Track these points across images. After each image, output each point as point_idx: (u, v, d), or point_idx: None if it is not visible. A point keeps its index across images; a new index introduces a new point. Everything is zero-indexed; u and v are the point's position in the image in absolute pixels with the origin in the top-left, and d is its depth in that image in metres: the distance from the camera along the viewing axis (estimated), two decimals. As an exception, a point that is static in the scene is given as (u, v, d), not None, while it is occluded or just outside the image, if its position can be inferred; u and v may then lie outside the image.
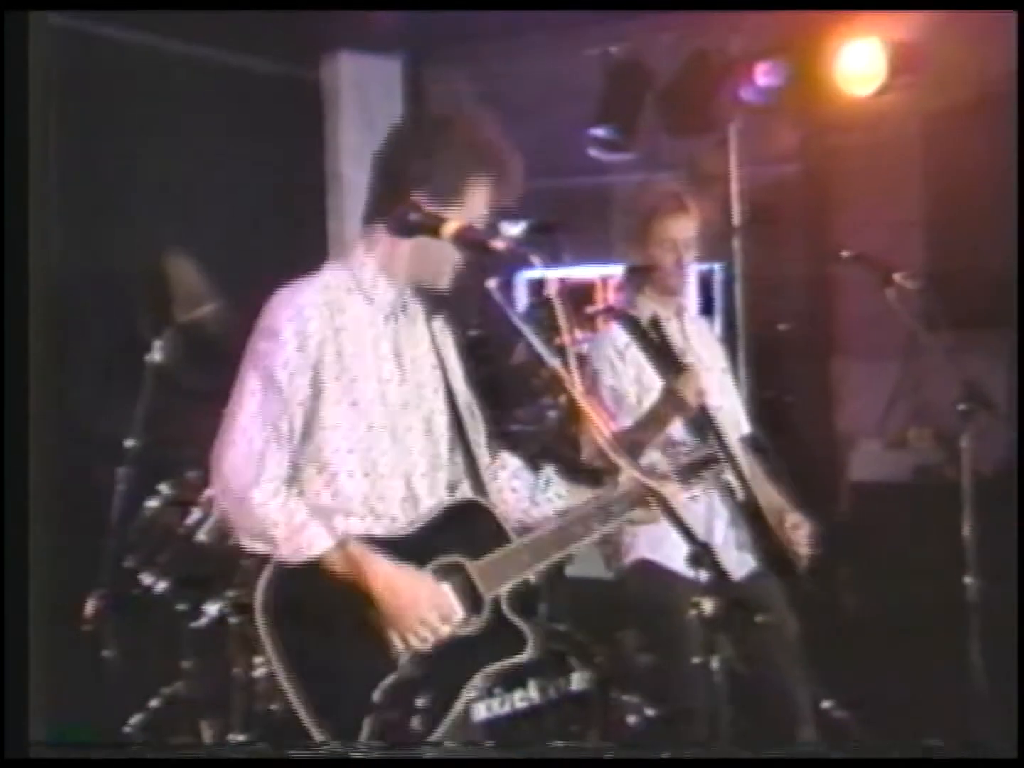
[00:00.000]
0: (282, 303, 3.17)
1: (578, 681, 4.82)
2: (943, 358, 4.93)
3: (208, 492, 4.44)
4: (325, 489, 3.19)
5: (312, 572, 3.06)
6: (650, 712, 4.58)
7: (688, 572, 3.01)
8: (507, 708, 4.46)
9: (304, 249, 6.52)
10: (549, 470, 3.50)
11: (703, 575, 2.81)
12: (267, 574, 3.08)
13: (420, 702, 3.02)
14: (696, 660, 3.00)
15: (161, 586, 4.77)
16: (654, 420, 4.23)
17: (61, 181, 5.31)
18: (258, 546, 3.10)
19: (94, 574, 4.77)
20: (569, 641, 4.86)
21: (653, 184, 4.70)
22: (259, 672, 4.69)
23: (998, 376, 5.83)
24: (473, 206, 3.19)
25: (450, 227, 2.89)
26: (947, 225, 6.20)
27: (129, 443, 4.90)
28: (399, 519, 3.21)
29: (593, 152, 6.85)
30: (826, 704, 4.54)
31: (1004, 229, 5.70)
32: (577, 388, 2.77)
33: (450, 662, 3.10)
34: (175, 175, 6.11)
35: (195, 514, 4.75)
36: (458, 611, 3.14)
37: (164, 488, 4.90)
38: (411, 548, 3.16)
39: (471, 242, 2.89)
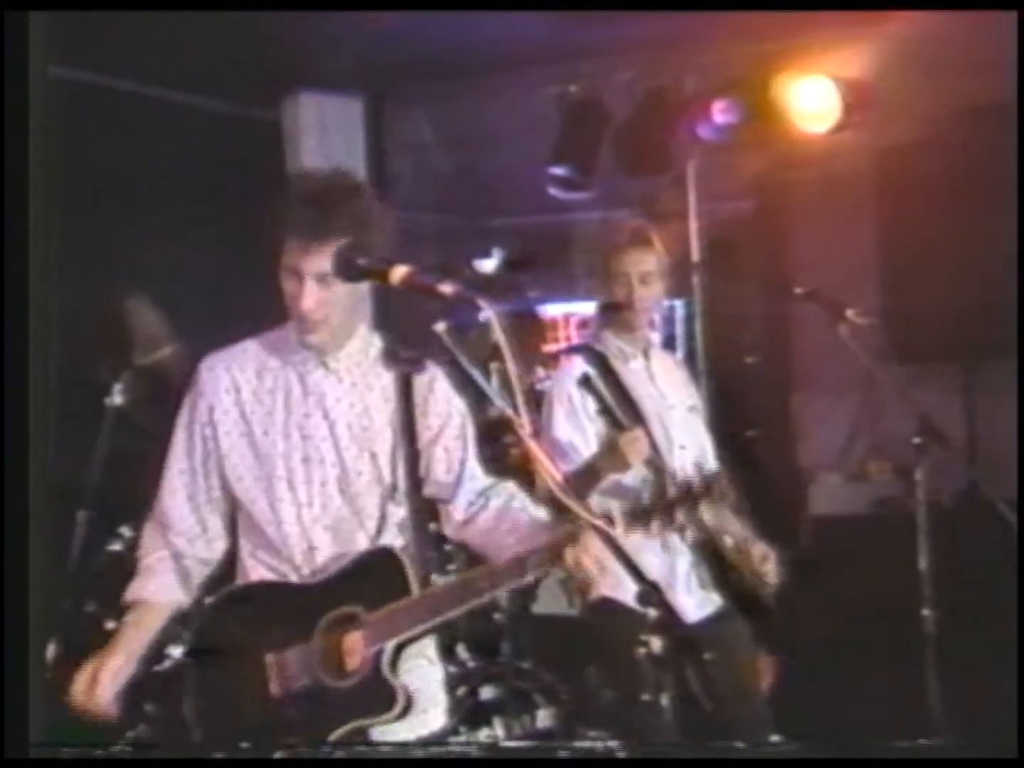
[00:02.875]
0: (191, 379, 3.42)
1: (543, 718, 4.84)
2: (898, 393, 4.98)
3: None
4: (249, 532, 3.37)
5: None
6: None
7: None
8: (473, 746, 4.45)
9: (264, 290, 6.55)
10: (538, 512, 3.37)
11: (652, 613, 2.83)
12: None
13: (289, 741, 3.04)
14: (646, 697, 3.01)
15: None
16: (589, 471, 4.21)
17: (62, 230, 5.29)
18: None
19: (54, 619, 4.75)
20: (534, 679, 4.88)
21: (618, 220, 4.70)
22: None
23: (953, 410, 5.90)
24: (284, 261, 3.23)
25: (398, 272, 2.90)
26: (901, 261, 6.27)
27: (89, 486, 4.89)
28: (303, 568, 3.29)
29: (552, 191, 6.90)
30: (775, 738, 4.57)
31: (957, 264, 5.78)
32: (526, 430, 2.78)
33: (321, 710, 3.12)
34: (133, 218, 6.10)
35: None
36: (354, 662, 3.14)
37: (124, 531, 4.90)
38: (315, 597, 3.22)
39: (419, 287, 2.90)
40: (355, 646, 3.15)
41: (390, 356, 3.30)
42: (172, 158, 6.33)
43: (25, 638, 3.02)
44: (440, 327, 2.79)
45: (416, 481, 3.28)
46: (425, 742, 3.20)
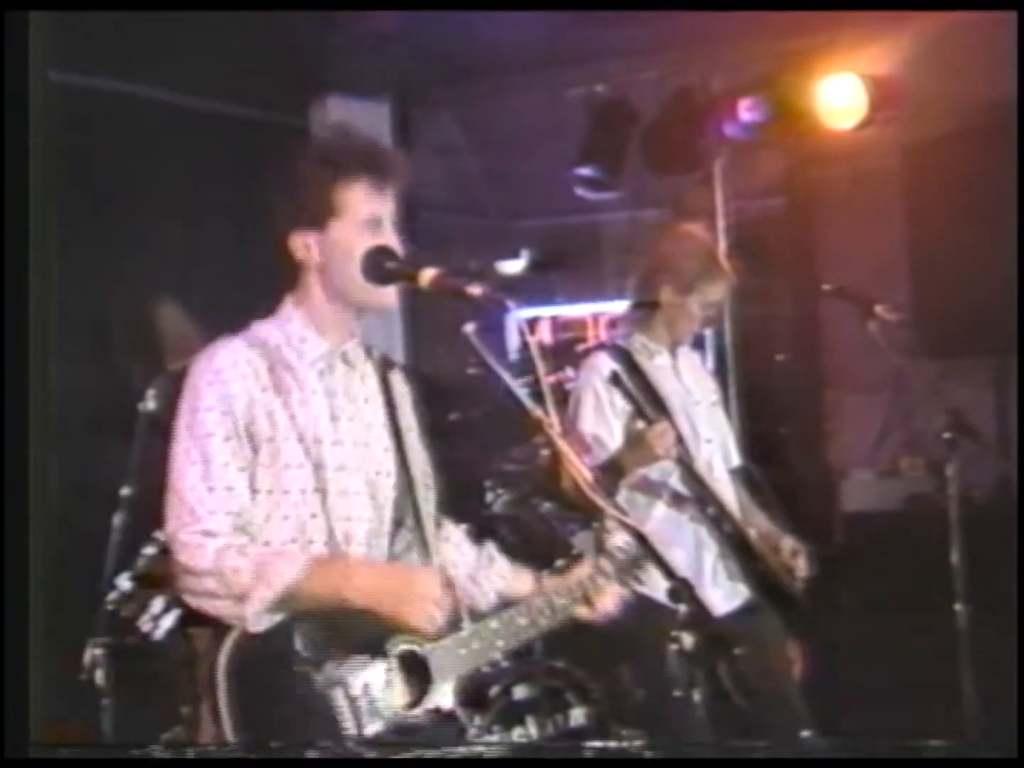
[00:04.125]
0: (200, 370, 3.02)
1: (576, 717, 4.84)
2: (929, 388, 4.98)
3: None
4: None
5: (281, 641, 2.89)
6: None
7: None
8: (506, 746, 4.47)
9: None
10: (491, 548, 3.39)
11: (683, 609, 2.85)
12: (233, 637, 2.90)
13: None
14: (678, 693, 3.02)
15: (159, 633, 4.79)
16: (615, 466, 4.24)
17: (61, 234, 5.32)
18: (230, 609, 2.89)
19: (90, 622, 4.79)
20: (567, 677, 4.89)
21: (691, 236, 4.62)
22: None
23: (984, 405, 5.89)
24: (354, 212, 3.03)
25: (427, 275, 2.91)
26: (929, 256, 6.26)
27: (124, 491, 4.93)
28: None
29: (579, 191, 6.91)
30: (805, 733, 4.58)
31: (986, 258, 5.77)
32: (556, 430, 2.80)
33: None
34: (164, 223, 6.15)
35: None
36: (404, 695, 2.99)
37: (160, 535, 4.92)
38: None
39: (447, 289, 2.90)
40: (409, 679, 2.99)
41: (367, 353, 3.20)
42: (200, 166, 6.37)
43: (25, 639, 3.01)
44: (469, 328, 2.81)
45: (413, 495, 3.17)
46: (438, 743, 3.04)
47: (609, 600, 3.23)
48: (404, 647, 2.99)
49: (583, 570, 3.25)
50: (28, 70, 3.18)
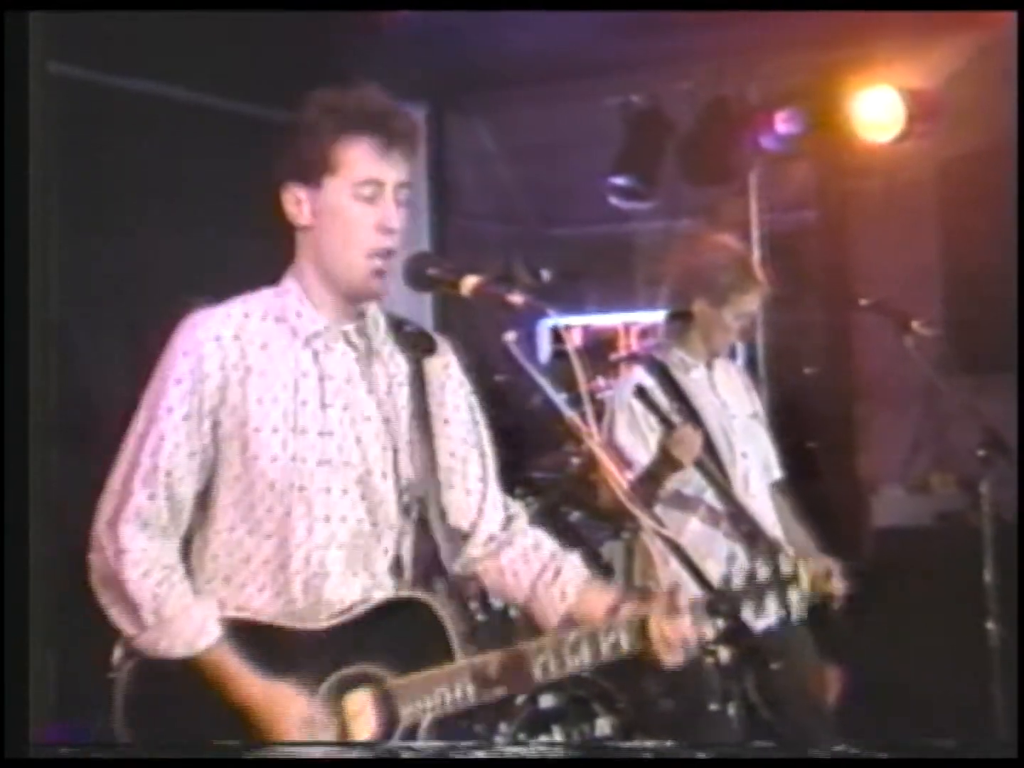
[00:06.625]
0: (183, 337, 2.77)
1: (602, 727, 4.84)
2: (962, 404, 4.96)
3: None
4: (220, 551, 2.79)
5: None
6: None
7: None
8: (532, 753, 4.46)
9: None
10: (563, 560, 3.01)
11: (719, 623, 2.82)
12: (132, 664, 2.77)
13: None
14: (714, 707, 2.99)
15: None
16: (650, 479, 4.20)
17: (61, 229, 5.32)
18: (124, 625, 2.76)
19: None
20: (592, 687, 4.88)
21: (724, 247, 4.59)
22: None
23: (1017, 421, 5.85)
24: (352, 170, 2.77)
25: (468, 283, 2.82)
26: (964, 271, 6.23)
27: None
28: (297, 599, 2.77)
29: (614, 201, 6.91)
30: (839, 748, 4.55)
31: (1020, 274, 5.74)
32: (595, 439, 2.76)
33: None
34: (181, 224, 6.14)
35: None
36: (364, 729, 2.72)
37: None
38: (325, 646, 2.75)
39: (489, 297, 2.84)
40: (371, 712, 2.73)
41: (397, 330, 2.94)
42: (228, 167, 6.37)
43: (25, 639, 3.00)
44: (510, 337, 2.76)
45: (437, 496, 2.90)
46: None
47: (673, 640, 2.84)
48: (357, 671, 2.74)
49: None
50: (28, 63, 3.17)
